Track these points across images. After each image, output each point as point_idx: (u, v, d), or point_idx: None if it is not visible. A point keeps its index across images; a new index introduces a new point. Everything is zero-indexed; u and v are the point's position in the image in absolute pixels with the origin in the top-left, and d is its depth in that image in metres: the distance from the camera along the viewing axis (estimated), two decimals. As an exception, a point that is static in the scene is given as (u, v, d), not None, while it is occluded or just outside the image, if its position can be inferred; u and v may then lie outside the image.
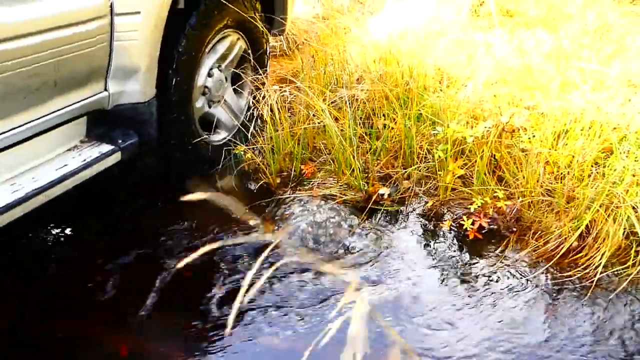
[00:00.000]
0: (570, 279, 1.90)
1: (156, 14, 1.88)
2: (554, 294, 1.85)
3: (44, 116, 1.70)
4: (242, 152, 2.46)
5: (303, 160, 2.43)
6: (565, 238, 1.98)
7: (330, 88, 2.64)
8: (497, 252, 2.03)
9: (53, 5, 1.61)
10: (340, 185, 2.28)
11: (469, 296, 1.85)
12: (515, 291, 1.86)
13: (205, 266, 1.96)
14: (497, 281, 1.91)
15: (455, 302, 1.83)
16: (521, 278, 1.91)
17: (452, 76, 2.76)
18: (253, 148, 2.49)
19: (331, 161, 2.35)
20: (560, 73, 2.66)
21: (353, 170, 2.25)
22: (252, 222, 2.14)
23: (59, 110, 1.74)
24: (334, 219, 2.13)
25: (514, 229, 2.10)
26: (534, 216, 2.09)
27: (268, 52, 2.66)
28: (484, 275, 1.93)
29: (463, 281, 1.91)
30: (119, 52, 1.84)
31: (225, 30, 2.31)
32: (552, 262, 1.95)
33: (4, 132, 1.59)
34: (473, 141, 2.14)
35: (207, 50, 2.25)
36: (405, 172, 2.30)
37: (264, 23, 2.57)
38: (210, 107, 2.39)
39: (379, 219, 2.18)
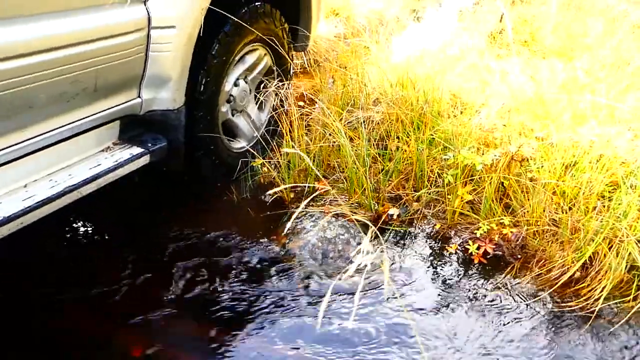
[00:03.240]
0: (570, 308, 1.95)
1: (189, 28, 2.02)
2: (554, 322, 1.89)
3: (83, 118, 1.84)
4: (259, 165, 2.54)
5: (317, 177, 2.51)
6: (568, 268, 2.03)
7: (347, 109, 2.73)
8: (500, 277, 2.08)
9: (97, 18, 1.74)
10: (352, 204, 2.35)
11: (468, 317, 1.91)
12: (516, 316, 1.91)
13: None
14: (498, 305, 1.96)
15: (454, 322, 1.89)
16: (522, 304, 1.97)
17: (466, 102, 2.83)
18: (269, 162, 2.57)
19: (344, 180, 2.42)
20: (572, 105, 2.71)
21: (364, 189, 2.32)
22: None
23: (96, 113, 1.89)
24: (344, 236, 2.20)
25: (519, 256, 2.16)
26: (538, 245, 2.14)
27: (291, 68, 2.76)
28: (485, 298, 1.99)
29: (464, 303, 1.97)
30: (154, 62, 1.98)
31: (253, 44, 2.44)
32: (554, 290, 2.01)
33: (49, 132, 1.72)
34: (482, 168, 2.21)
35: (235, 60, 2.37)
36: (416, 194, 2.37)
37: (289, 38, 2.69)
38: (233, 115, 2.50)
39: (388, 238, 2.24)
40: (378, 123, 2.57)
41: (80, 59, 1.70)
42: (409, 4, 6.94)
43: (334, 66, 3.05)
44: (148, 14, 1.91)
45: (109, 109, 1.92)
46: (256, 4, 2.41)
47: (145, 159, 2.02)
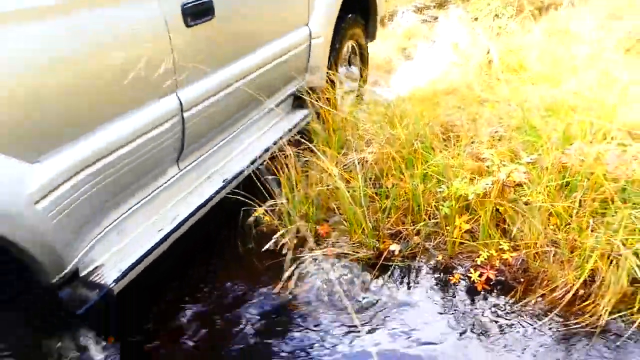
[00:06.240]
0: (577, 325, 1.97)
1: (328, 37, 3.30)
2: (561, 341, 1.91)
3: (284, 94, 3.03)
4: (261, 215, 2.61)
5: (318, 221, 2.57)
6: (571, 286, 2.05)
7: (342, 152, 2.82)
8: (505, 302, 2.11)
9: (293, 37, 2.94)
10: (353, 244, 2.40)
11: (477, 346, 1.93)
12: (524, 340, 1.93)
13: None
14: (505, 331, 1.98)
15: (464, 352, 1.91)
16: (529, 327, 1.99)
17: (458, 134, 2.91)
18: (271, 209, 2.64)
19: (344, 221, 2.49)
20: (561, 127, 2.78)
21: (364, 229, 2.38)
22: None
23: (288, 90, 3.07)
24: (347, 276, 2.25)
25: (522, 280, 2.19)
26: (540, 266, 2.17)
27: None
28: (491, 325, 2.01)
29: (472, 332, 1.99)
30: (312, 58, 3.20)
31: (349, 41, 3.78)
32: (559, 310, 2.02)
33: (280, 99, 2.98)
34: (476, 197, 2.26)
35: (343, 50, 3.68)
36: (415, 228, 2.42)
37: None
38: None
39: (391, 274, 2.29)
40: (372, 163, 2.64)
41: (286, 61, 2.85)
42: (400, 43, 7.16)
43: (326, 108, 3.16)
44: (310, 30, 3.12)
45: (292, 87, 3.10)
46: (350, 14, 3.59)
47: (309, 117, 3.14)
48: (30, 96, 1.47)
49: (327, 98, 3.20)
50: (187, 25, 2.02)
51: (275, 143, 2.74)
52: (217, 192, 2.31)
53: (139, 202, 2.03)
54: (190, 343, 2.08)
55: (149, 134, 1.89)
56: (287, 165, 2.62)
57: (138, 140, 1.84)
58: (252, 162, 2.54)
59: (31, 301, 1.59)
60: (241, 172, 2.47)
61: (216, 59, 2.27)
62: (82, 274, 1.73)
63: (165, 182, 2.15)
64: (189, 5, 2.02)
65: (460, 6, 9.48)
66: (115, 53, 1.73)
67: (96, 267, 1.78)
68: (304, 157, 2.73)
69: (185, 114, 2.06)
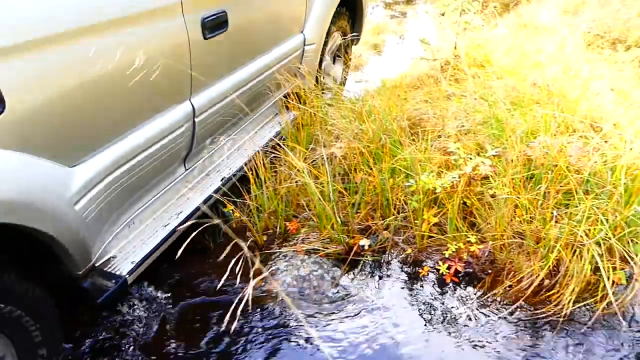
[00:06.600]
0: (543, 314, 2.01)
1: (319, 43, 3.47)
2: (527, 330, 1.95)
3: (277, 96, 3.16)
4: (231, 211, 2.59)
5: (287, 217, 2.56)
6: (537, 277, 2.09)
7: (311, 147, 2.81)
8: (472, 293, 2.14)
9: (290, 43, 3.12)
10: (323, 240, 2.40)
11: (446, 336, 1.95)
12: (491, 330, 1.96)
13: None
14: (473, 321, 2.01)
15: (434, 343, 1.93)
16: (495, 317, 2.02)
17: (425, 129, 2.93)
18: (242, 204, 2.61)
19: (313, 217, 2.48)
20: (525, 121, 2.83)
21: (333, 224, 2.38)
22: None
23: (283, 91, 3.17)
24: (317, 272, 2.24)
25: (489, 271, 2.22)
26: (506, 257, 2.21)
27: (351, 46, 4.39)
28: (460, 316, 2.04)
29: (441, 323, 2.02)
30: (304, 63, 3.37)
31: (335, 32, 3.88)
32: (525, 300, 2.06)
33: (269, 103, 3.11)
34: (443, 191, 2.28)
35: (329, 39, 3.77)
36: (384, 222, 2.43)
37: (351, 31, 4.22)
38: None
39: (361, 269, 2.29)
40: (340, 158, 2.64)
41: (283, 66, 3.04)
42: (370, 39, 7.18)
43: (295, 104, 3.15)
44: (304, 37, 3.30)
45: (285, 90, 3.18)
46: (339, 8, 3.69)
47: (295, 119, 3.27)
48: (70, 106, 1.63)
49: (296, 93, 3.19)
50: (205, 38, 2.21)
51: (267, 144, 2.90)
52: (217, 190, 2.49)
53: (150, 199, 2.22)
54: (147, 335, 2.05)
55: (167, 138, 2.10)
56: (255, 161, 2.60)
57: (158, 144, 2.05)
58: (247, 162, 2.70)
59: (63, 290, 1.83)
60: (238, 171, 2.65)
61: (224, 68, 2.49)
62: (97, 265, 1.91)
63: (173, 181, 2.36)
64: (208, 19, 2.21)
65: (428, 2, 9.58)
66: (145, 66, 1.84)
67: (109, 259, 1.98)
68: (273, 153, 2.71)
69: (197, 119, 2.26)
